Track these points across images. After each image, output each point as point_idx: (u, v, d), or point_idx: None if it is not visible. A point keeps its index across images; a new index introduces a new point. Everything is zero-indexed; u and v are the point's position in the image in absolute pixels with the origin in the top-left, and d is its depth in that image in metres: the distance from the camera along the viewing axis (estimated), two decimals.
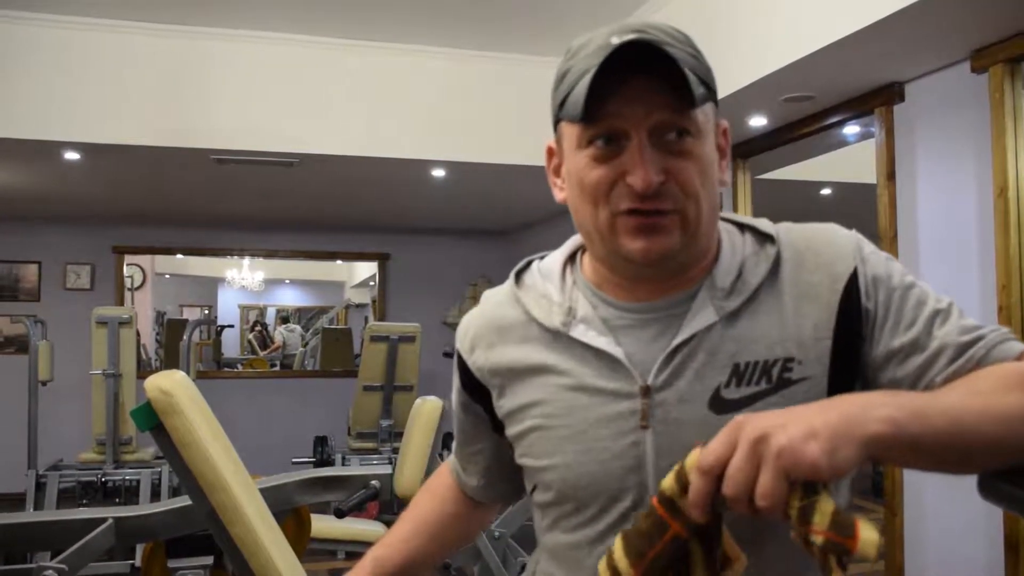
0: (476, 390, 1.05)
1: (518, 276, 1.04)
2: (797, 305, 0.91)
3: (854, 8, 2.68)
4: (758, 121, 3.74)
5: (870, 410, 0.72)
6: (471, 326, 1.05)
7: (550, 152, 0.99)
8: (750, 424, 0.70)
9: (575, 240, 1.03)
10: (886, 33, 2.68)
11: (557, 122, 0.94)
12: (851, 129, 3.70)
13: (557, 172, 0.98)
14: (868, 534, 0.64)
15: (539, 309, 0.98)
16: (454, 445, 1.18)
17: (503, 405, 1.01)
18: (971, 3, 2.44)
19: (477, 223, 7.25)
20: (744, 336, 0.90)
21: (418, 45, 4.51)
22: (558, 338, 0.96)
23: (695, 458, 0.71)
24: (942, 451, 0.77)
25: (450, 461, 1.20)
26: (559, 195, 0.98)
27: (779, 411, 0.72)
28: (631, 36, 0.84)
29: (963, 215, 2.89)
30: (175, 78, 4.23)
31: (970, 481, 0.84)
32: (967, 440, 0.78)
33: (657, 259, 0.89)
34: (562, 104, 0.89)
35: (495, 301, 1.05)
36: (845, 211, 4.80)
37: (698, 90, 0.84)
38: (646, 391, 0.90)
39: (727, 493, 0.68)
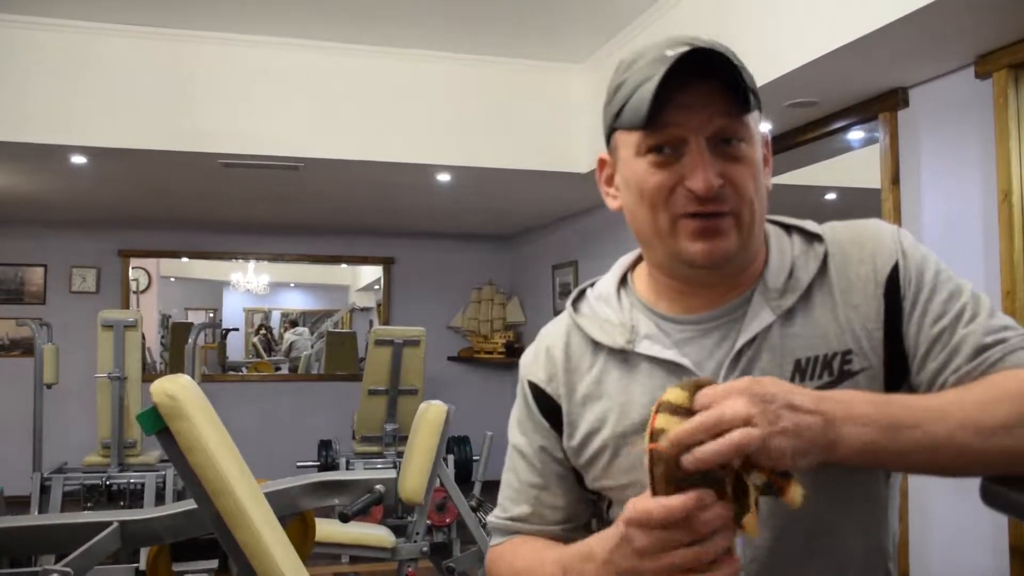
0: (555, 414, 1.04)
1: (575, 304, 1.07)
2: (847, 298, 0.94)
3: (858, 14, 2.68)
4: (763, 126, 3.73)
5: (845, 423, 0.78)
6: (539, 357, 1.07)
7: (602, 163, 1.02)
8: (763, 388, 0.77)
9: (623, 262, 1.07)
10: (890, 39, 2.68)
11: (611, 132, 0.96)
12: (855, 134, 3.70)
13: (610, 182, 1.01)
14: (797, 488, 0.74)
15: (601, 333, 1.01)
16: (518, 509, 1.08)
17: (575, 432, 1.02)
18: (975, 8, 2.44)
19: (482, 228, 7.25)
20: (803, 333, 0.93)
21: (424, 50, 4.52)
22: (624, 357, 0.98)
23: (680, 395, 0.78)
24: (913, 462, 0.81)
25: (504, 540, 1.10)
26: (613, 203, 1.01)
27: (784, 390, 0.78)
28: (686, 48, 0.87)
29: (967, 220, 2.89)
30: (182, 82, 4.24)
31: (975, 489, 0.84)
32: (941, 454, 0.80)
33: (720, 260, 0.91)
34: (618, 114, 0.92)
35: (555, 333, 1.07)
36: (850, 216, 4.78)
37: (751, 97, 0.89)
38: None
39: (705, 421, 0.74)
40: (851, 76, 3.07)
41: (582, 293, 1.08)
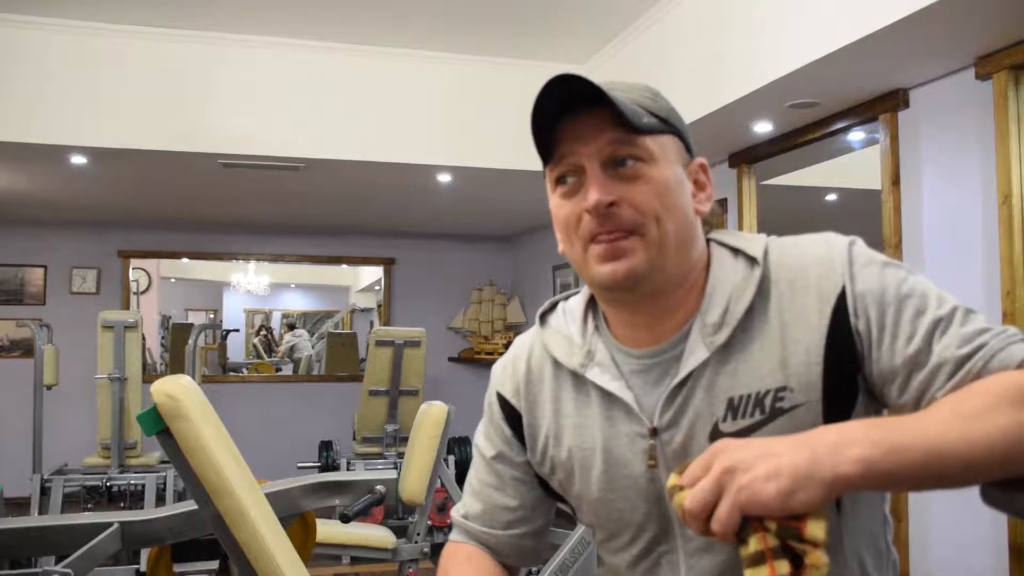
0: (517, 425, 1.09)
1: (543, 317, 1.09)
2: (789, 330, 0.92)
3: (859, 15, 2.68)
4: (763, 127, 3.74)
5: (842, 449, 0.74)
6: (506, 368, 1.11)
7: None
8: (725, 453, 0.76)
9: None
10: (891, 40, 2.68)
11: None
12: (856, 135, 3.70)
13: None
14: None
15: (560, 351, 1.03)
16: (473, 506, 1.13)
17: (536, 444, 1.06)
18: (975, 10, 2.44)
19: (483, 228, 7.26)
20: (737, 369, 0.92)
21: (425, 51, 4.52)
22: (579, 379, 1.01)
23: (674, 480, 0.79)
24: (919, 480, 0.78)
25: (457, 536, 1.15)
26: (560, 248, 1.02)
27: (758, 443, 0.77)
28: (557, 76, 0.92)
29: (967, 221, 2.89)
30: (182, 83, 4.25)
31: (974, 489, 0.84)
32: (946, 469, 0.77)
33: (624, 280, 0.92)
34: (535, 145, 0.97)
35: (523, 344, 1.11)
36: (850, 217, 4.80)
37: (642, 119, 0.91)
38: (654, 432, 0.95)
39: (686, 507, 0.75)
40: (851, 77, 3.07)
41: (554, 306, 1.10)
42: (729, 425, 0.91)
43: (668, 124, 0.96)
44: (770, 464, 0.73)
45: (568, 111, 0.93)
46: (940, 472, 0.77)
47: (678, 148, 0.97)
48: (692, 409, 0.93)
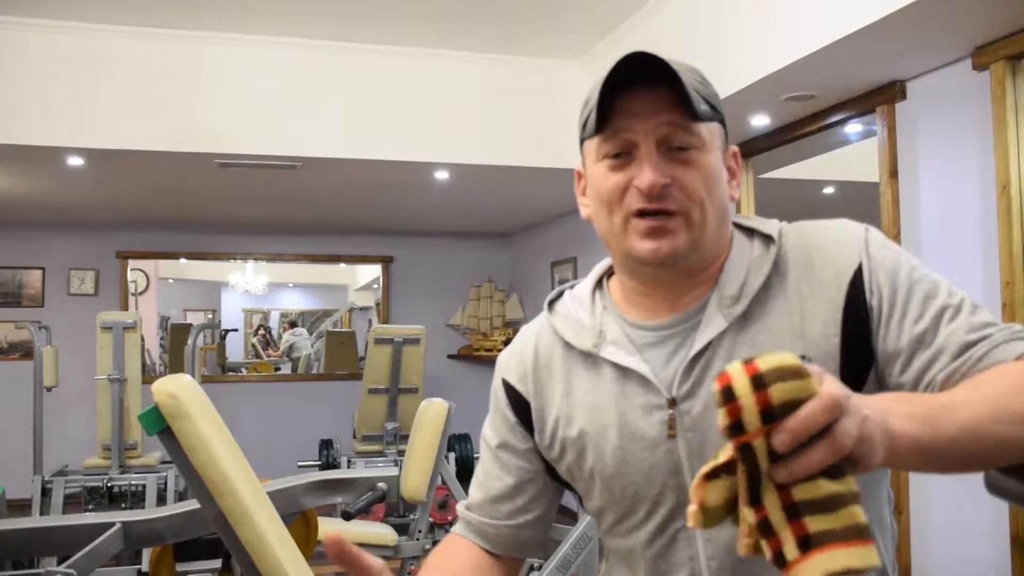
0: (524, 411, 1.09)
1: (551, 305, 1.11)
2: (807, 303, 0.94)
3: (855, 7, 2.68)
4: (760, 120, 3.74)
5: (884, 418, 0.69)
6: (512, 356, 1.12)
7: (578, 175, 1.06)
8: (860, 402, 0.65)
9: (601, 266, 1.11)
10: (887, 31, 2.68)
11: (582, 144, 1.02)
12: (853, 127, 3.70)
13: (584, 192, 1.06)
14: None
15: (572, 334, 1.05)
16: (476, 495, 1.14)
17: (544, 428, 1.07)
18: (972, 1, 2.44)
19: (480, 225, 7.26)
20: (756, 339, 0.94)
21: (421, 48, 4.52)
22: (591, 359, 1.02)
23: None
24: (952, 457, 0.77)
25: (457, 528, 1.16)
26: (584, 212, 1.05)
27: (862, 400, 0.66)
28: (635, 53, 0.91)
29: (966, 212, 2.89)
30: (179, 83, 4.24)
31: (976, 480, 0.84)
32: (976, 446, 0.77)
33: (665, 259, 0.94)
34: (584, 125, 0.98)
35: (530, 332, 1.12)
36: (848, 209, 4.79)
37: (700, 106, 0.93)
38: (672, 402, 0.96)
39: (790, 425, 0.60)
40: (848, 69, 3.07)
41: (560, 294, 1.12)
42: None
43: (716, 112, 0.98)
44: (881, 424, 0.66)
45: (627, 85, 0.93)
46: (970, 449, 0.77)
47: (721, 135, 0.99)
48: (711, 378, 0.92)
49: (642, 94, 0.93)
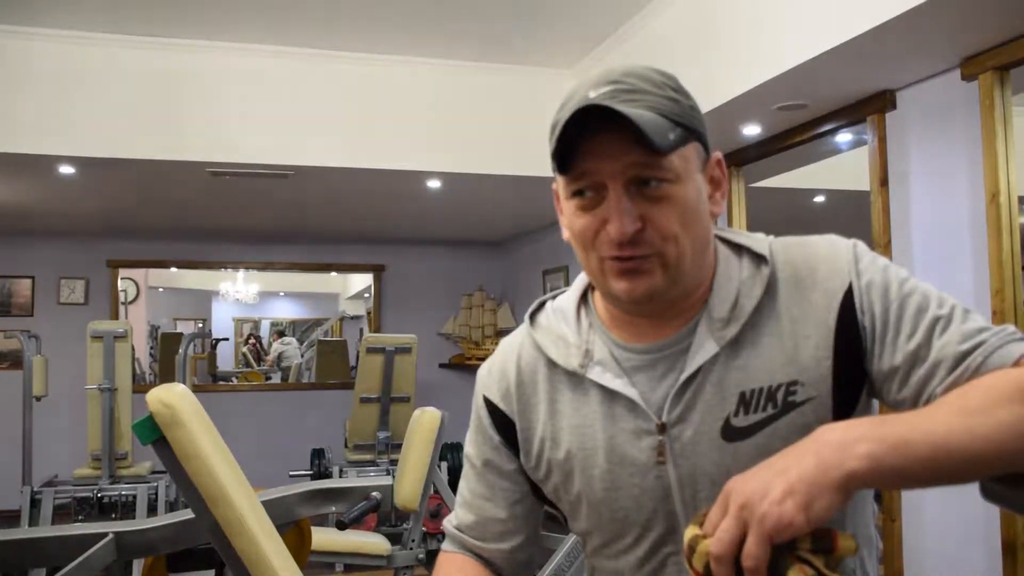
0: (508, 430, 1.06)
1: (532, 317, 1.07)
2: (798, 326, 0.93)
3: (846, 17, 2.70)
4: (752, 130, 3.76)
5: (849, 447, 0.73)
6: (494, 372, 1.09)
7: (556, 195, 1.01)
8: (736, 491, 0.73)
9: (583, 279, 1.07)
10: (877, 42, 2.70)
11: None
12: (844, 137, 3.72)
13: (563, 212, 1.01)
14: None
15: (556, 351, 1.02)
16: (465, 517, 1.12)
17: (530, 448, 1.04)
18: (961, 12, 2.47)
19: (472, 234, 7.26)
20: (747, 364, 0.92)
21: (413, 57, 4.52)
22: (577, 379, 1.00)
23: (693, 531, 0.76)
24: (926, 476, 0.77)
25: (450, 547, 1.15)
26: (565, 235, 1.01)
27: (763, 467, 0.75)
28: (598, 93, 0.88)
29: (956, 221, 2.91)
30: (169, 92, 4.23)
31: (969, 487, 0.84)
32: (953, 463, 0.77)
33: (641, 298, 0.92)
34: (552, 156, 0.92)
35: (511, 346, 1.09)
36: (839, 218, 4.82)
37: (667, 138, 0.87)
38: (662, 428, 0.94)
39: (713, 552, 0.72)
40: (839, 79, 3.09)
41: (542, 305, 1.09)
42: (742, 419, 0.92)
43: (691, 131, 0.92)
44: (782, 483, 0.71)
45: (590, 126, 0.88)
46: (947, 467, 0.77)
47: (699, 153, 0.94)
48: (702, 404, 0.93)
49: (604, 135, 0.88)
